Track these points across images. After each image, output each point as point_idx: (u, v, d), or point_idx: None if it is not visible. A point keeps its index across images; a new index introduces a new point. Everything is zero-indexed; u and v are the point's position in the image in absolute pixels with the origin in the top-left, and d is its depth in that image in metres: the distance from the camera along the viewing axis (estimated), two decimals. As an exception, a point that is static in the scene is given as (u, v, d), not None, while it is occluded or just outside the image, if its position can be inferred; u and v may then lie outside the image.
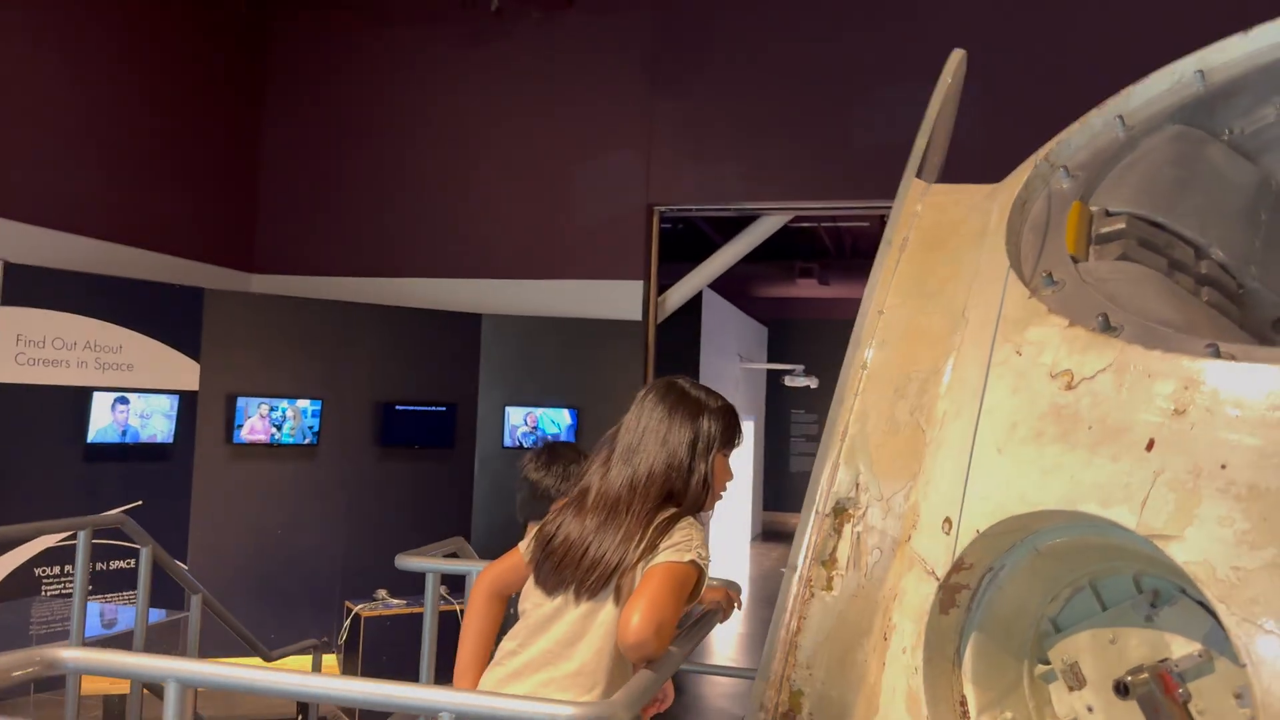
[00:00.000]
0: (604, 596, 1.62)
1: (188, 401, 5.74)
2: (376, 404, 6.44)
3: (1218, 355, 1.15)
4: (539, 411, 6.95)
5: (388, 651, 4.84)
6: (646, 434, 1.70)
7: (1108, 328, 1.28)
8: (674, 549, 1.57)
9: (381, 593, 5.11)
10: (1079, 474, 1.20)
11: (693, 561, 1.57)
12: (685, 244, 9.40)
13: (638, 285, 7.20)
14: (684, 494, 1.67)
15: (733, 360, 11.77)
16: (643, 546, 1.59)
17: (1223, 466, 1.08)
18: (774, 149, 6.80)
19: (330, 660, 5.16)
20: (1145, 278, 1.44)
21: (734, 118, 6.87)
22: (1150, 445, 1.14)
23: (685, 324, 8.90)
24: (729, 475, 1.73)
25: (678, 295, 7.63)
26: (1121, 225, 1.53)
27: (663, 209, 7.27)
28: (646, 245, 7.29)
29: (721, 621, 1.95)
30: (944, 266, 1.57)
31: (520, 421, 6.85)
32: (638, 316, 7.13)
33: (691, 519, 1.64)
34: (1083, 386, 1.23)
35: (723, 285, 10.00)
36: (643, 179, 7.14)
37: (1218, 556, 1.05)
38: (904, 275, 1.58)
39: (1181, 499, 1.09)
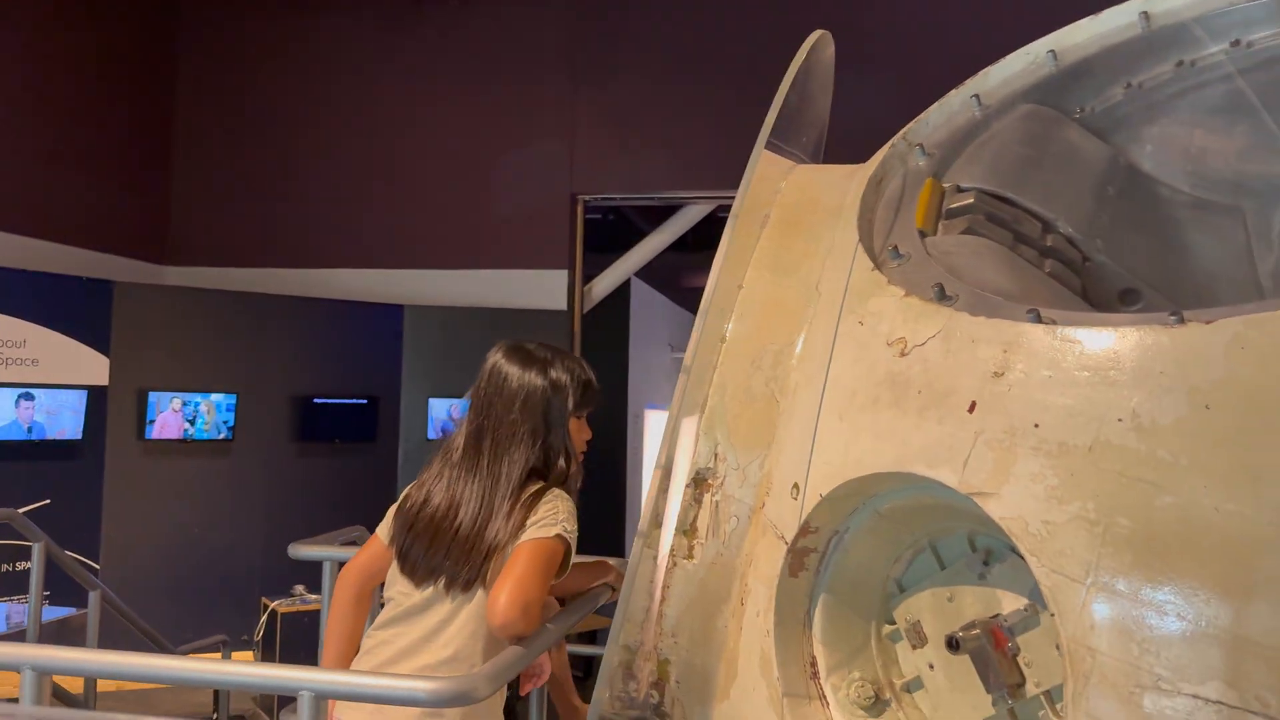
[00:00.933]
0: (476, 580, 1.63)
1: (97, 397, 5.59)
2: (294, 398, 6.34)
3: (1038, 320, 1.20)
4: (463, 403, 6.91)
5: (305, 647, 4.78)
6: (497, 405, 1.72)
7: (943, 297, 1.32)
8: (539, 525, 1.59)
9: (299, 589, 5.05)
10: (909, 437, 1.24)
11: (558, 536, 1.58)
12: (614, 233, 9.41)
13: (562, 274, 7.19)
14: (545, 465, 1.69)
15: (663, 350, 11.82)
16: (511, 524, 1.60)
17: (1035, 425, 1.12)
18: (699, 138, 6.83)
19: (245, 657, 5.09)
20: (987, 250, 1.49)
21: (657, 107, 6.89)
22: (972, 407, 1.18)
23: (613, 313, 8.92)
24: (586, 436, 1.75)
25: (603, 285, 7.63)
26: (970, 201, 1.58)
27: (587, 198, 7.26)
28: (571, 234, 7.27)
29: (610, 600, 1.97)
30: (801, 243, 1.60)
31: (444, 414, 6.80)
32: (563, 306, 7.12)
33: (559, 491, 1.65)
34: (914, 353, 1.27)
35: (652, 275, 10.02)
36: (566, 168, 7.12)
37: (1030, 511, 1.10)
38: (764, 251, 1.61)
39: (999, 457, 1.14)
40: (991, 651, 1.23)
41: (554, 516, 1.60)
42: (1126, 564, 1.02)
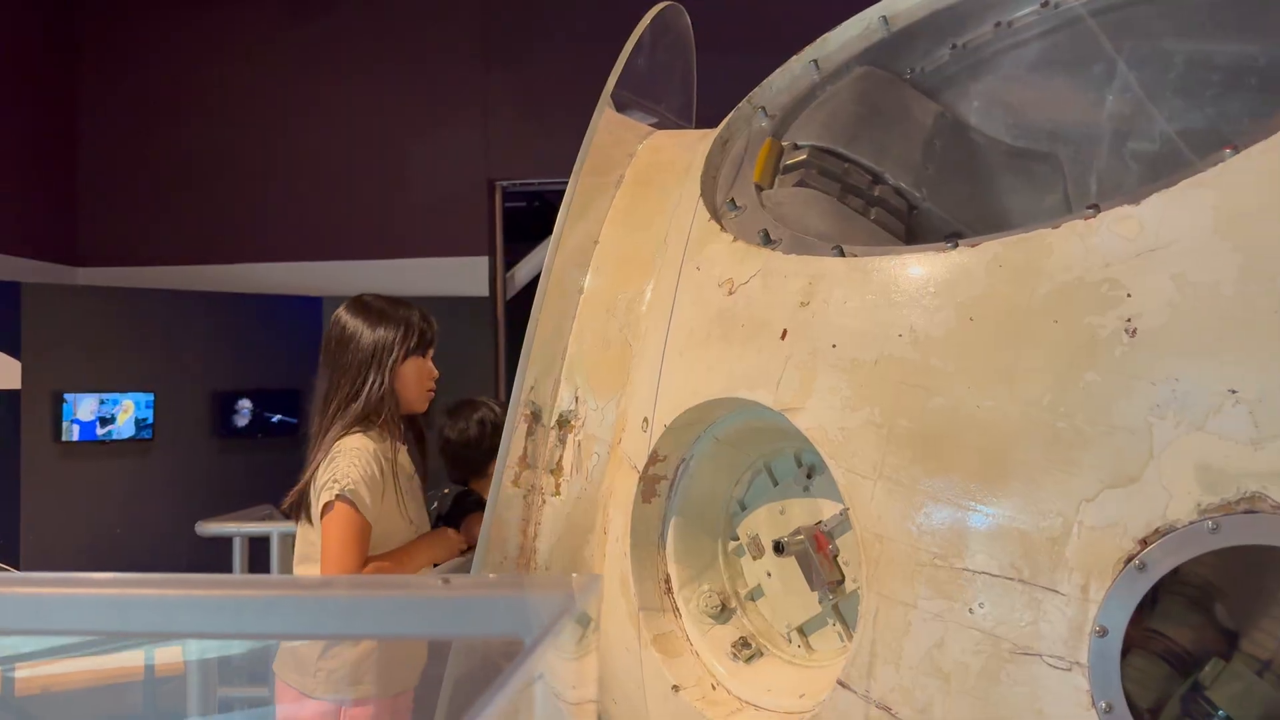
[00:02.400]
0: (305, 520, 1.82)
1: (9, 401, 5.52)
2: (214, 394, 6.31)
3: (840, 254, 1.34)
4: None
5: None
6: (330, 354, 1.87)
7: (767, 241, 1.45)
8: (325, 489, 1.76)
9: (225, 581, 5.05)
10: (734, 366, 1.37)
11: (338, 496, 1.73)
12: (537, 220, 9.48)
13: (483, 261, 7.23)
14: (365, 408, 1.84)
15: (592, 334, 11.89)
16: (314, 471, 1.79)
17: (833, 346, 1.26)
18: (614, 121, 6.88)
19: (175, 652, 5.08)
20: (814, 199, 1.63)
21: (575, 89, 6.93)
22: (784, 335, 1.32)
23: (538, 299, 8.98)
24: (428, 375, 1.93)
25: (526, 270, 7.69)
26: (804, 156, 1.72)
27: (505, 183, 7.30)
28: (490, 220, 7.31)
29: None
30: (653, 200, 1.73)
31: (369, 403, 6.81)
32: (485, 293, 7.17)
33: (361, 438, 1.82)
34: (740, 291, 1.41)
35: (576, 260, 10.12)
36: (482, 153, 7.15)
37: (828, 421, 1.24)
38: (618, 209, 1.73)
39: (804, 376, 1.27)
40: (814, 553, 1.38)
41: (333, 475, 1.77)
42: (906, 460, 1.17)
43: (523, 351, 1.54)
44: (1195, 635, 1.39)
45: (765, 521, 1.49)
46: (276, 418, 6.49)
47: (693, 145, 1.85)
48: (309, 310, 6.77)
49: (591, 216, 1.71)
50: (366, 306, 2.03)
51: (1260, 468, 1.00)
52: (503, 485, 1.60)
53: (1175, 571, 1.07)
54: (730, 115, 1.86)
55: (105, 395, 5.84)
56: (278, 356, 6.55)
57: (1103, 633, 1.04)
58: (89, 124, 7.10)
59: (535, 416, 1.63)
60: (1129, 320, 1.08)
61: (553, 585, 1.10)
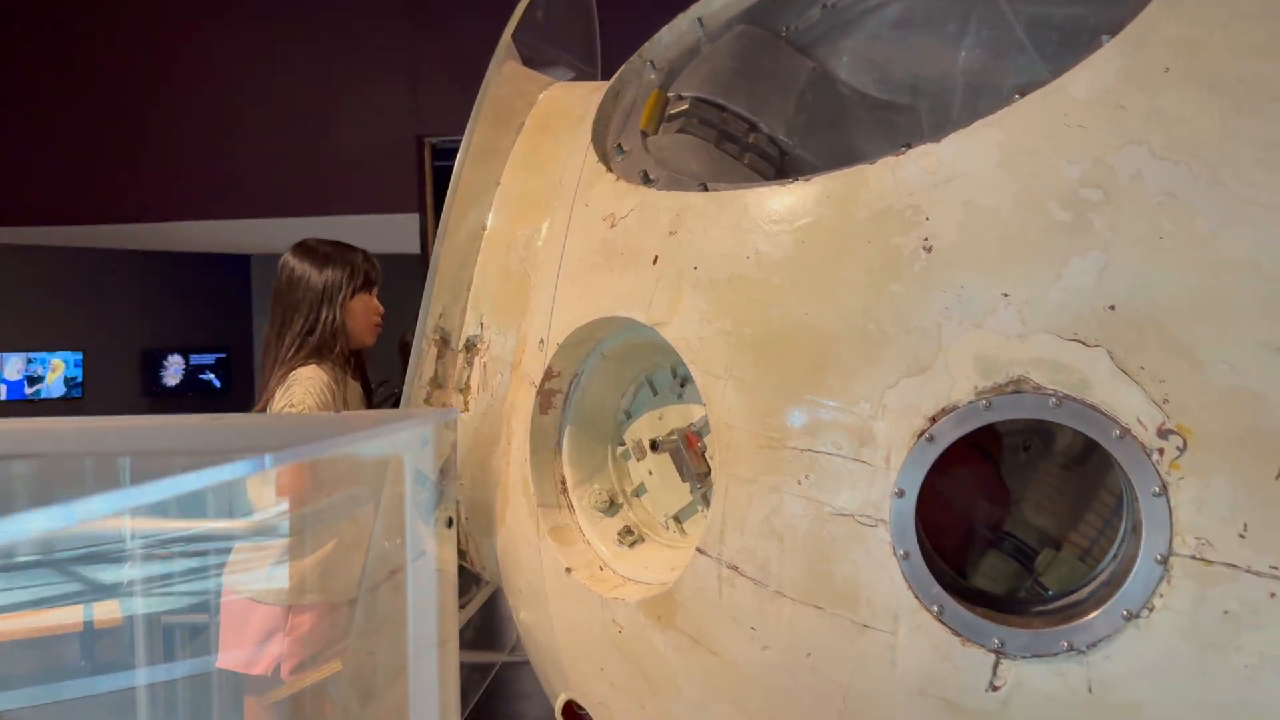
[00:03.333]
0: None
1: (-68, 362, 5.51)
2: (143, 352, 6.35)
3: (704, 190, 1.54)
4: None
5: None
6: (281, 295, 2.03)
7: (646, 180, 1.65)
8: (282, 412, 1.94)
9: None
10: (615, 289, 1.57)
11: None
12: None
13: (413, 219, 7.31)
14: (319, 341, 2.02)
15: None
16: (270, 398, 1.95)
17: (695, 268, 1.47)
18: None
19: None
20: (692, 145, 1.83)
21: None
22: (655, 260, 1.52)
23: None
24: (374, 310, 2.11)
25: (455, 227, 7.77)
26: (686, 107, 1.92)
27: (434, 140, 7.37)
28: (420, 177, 7.39)
29: None
30: (549, 145, 1.91)
31: (302, 359, 6.89)
32: (416, 250, 7.26)
33: (315, 369, 1.99)
34: (620, 224, 1.60)
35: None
36: (410, 109, 7.20)
37: (691, 332, 1.45)
38: (518, 153, 1.91)
39: (671, 295, 1.48)
40: (684, 450, 1.60)
41: (289, 401, 1.97)
42: (750, 361, 1.38)
43: (426, 284, 1.72)
44: (1038, 536, 1.66)
45: (647, 427, 1.70)
46: (207, 375, 6.55)
47: (588, 96, 2.03)
48: (238, 268, 6.81)
49: (494, 161, 1.89)
50: (313, 250, 2.22)
51: (1025, 356, 1.23)
52: (417, 403, 1.79)
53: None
54: (622, 68, 2.04)
55: (33, 354, 5.84)
56: (207, 314, 6.61)
57: (901, 494, 1.27)
58: (6, 83, 6.98)
59: (445, 342, 1.82)
60: (926, 239, 1.30)
61: (421, 415, 1.29)
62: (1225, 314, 1.19)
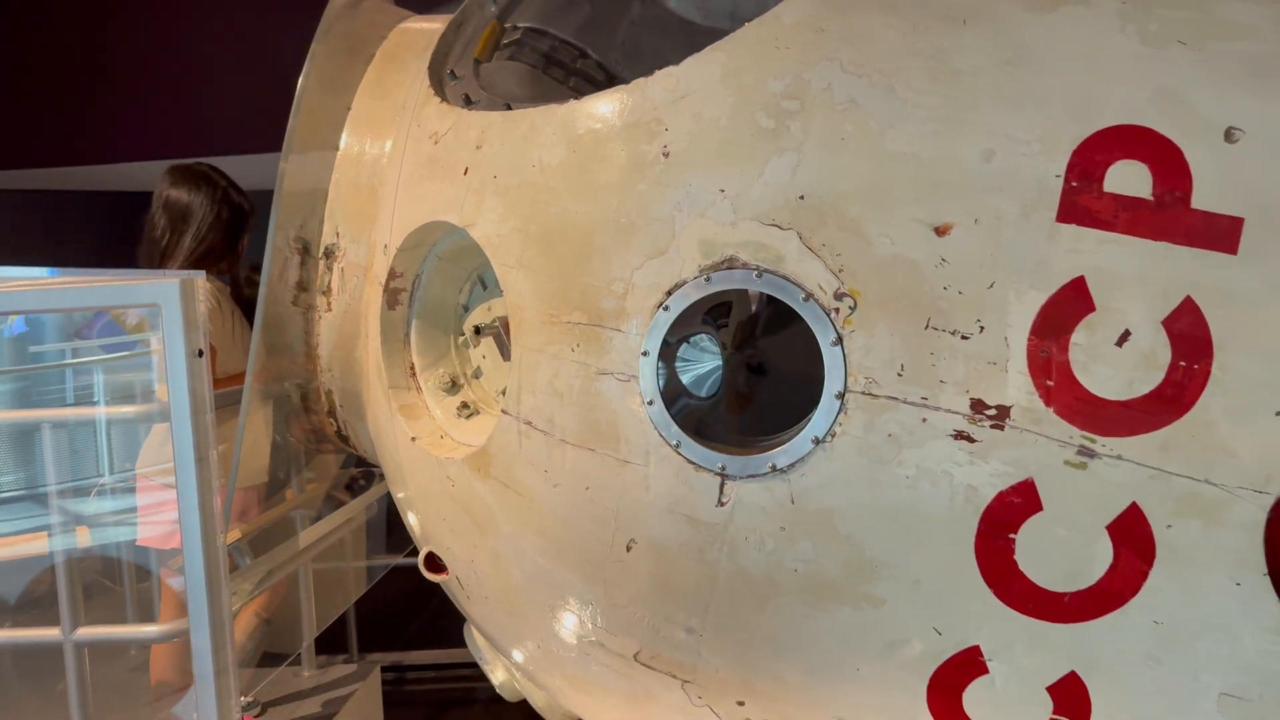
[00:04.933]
0: None
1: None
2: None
3: (507, 108, 1.81)
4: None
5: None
6: (158, 216, 2.32)
7: (467, 103, 1.91)
8: None
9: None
10: (437, 197, 1.85)
11: None
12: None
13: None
14: (203, 250, 2.31)
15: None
16: None
17: (495, 176, 1.74)
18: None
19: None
20: (518, 70, 2.09)
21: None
22: (466, 171, 1.79)
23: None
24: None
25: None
26: (518, 36, 2.17)
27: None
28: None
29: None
30: (396, 73, 2.16)
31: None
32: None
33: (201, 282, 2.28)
34: (441, 141, 1.87)
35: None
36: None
37: (493, 232, 1.73)
38: (368, 81, 2.17)
39: (477, 200, 1.76)
40: (504, 333, 1.89)
41: None
42: (535, 252, 1.67)
43: (273, 199, 1.99)
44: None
45: (480, 317, 2.00)
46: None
47: (434, 30, 2.27)
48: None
49: (345, 87, 2.14)
50: (185, 172, 2.50)
51: (735, 239, 1.53)
52: (284, 304, 2.07)
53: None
54: (466, 2, 2.28)
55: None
56: (121, 255, 6.75)
57: (646, 354, 1.57)
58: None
59: (306, 250, 2.10)
60: (665, 146, 1.58)
61: (170, 273, 1.59)
62: (888, 198, 1.48)
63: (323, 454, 2.47)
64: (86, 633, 1.90)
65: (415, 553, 2.12)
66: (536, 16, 2.22)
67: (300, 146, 2.01)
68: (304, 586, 2.93)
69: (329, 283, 2.11)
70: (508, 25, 2.21)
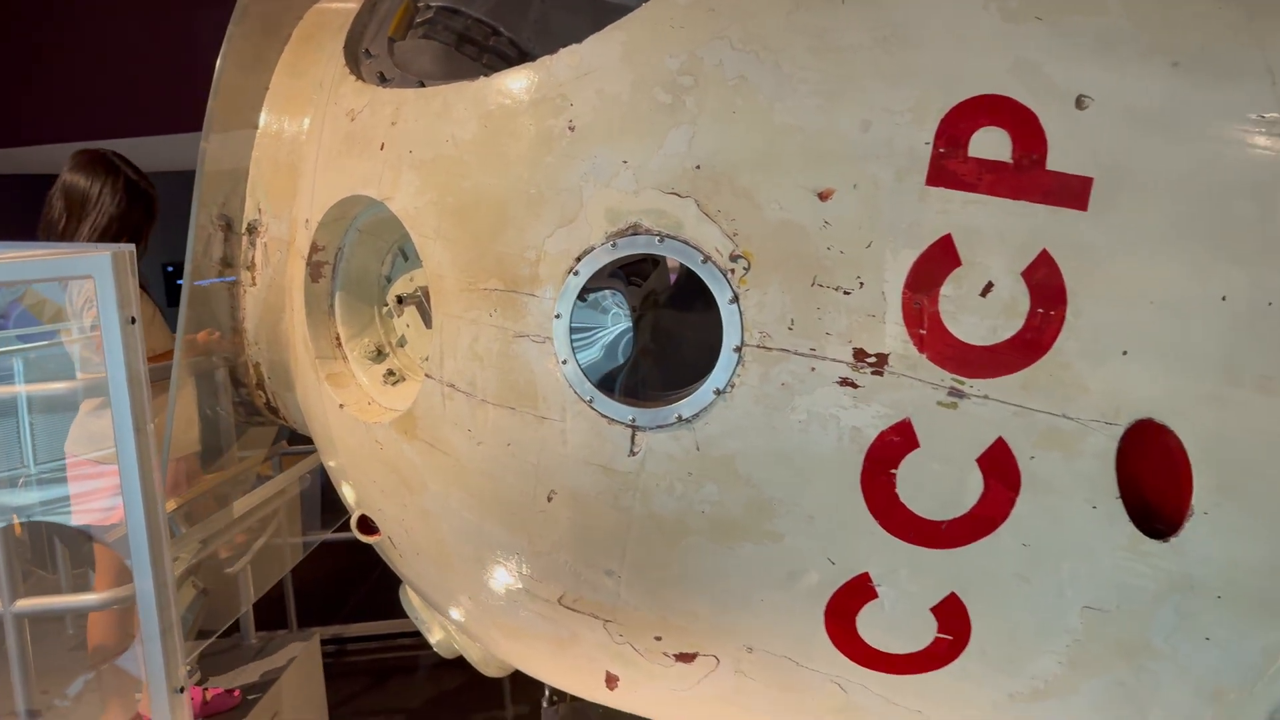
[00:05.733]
0: None
1: None
2: None
3: (420, 86, 1.89)
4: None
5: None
6: (59, 198, 2.36)
7: (382, 81, 1.99)
8: None
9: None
10: (355, 172, 1.92)
11: None
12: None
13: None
14: (111, 226, 2.35)
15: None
16: None
17: (410, 151, 1.82)
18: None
19: None
20: (431, 49, 2.16)
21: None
22: (382, 146, 1.87)
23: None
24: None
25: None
26: (431, 15, 2.24)
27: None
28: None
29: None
30: (313, 53, 2.22)
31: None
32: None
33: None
34: (358, 118, 1.94)
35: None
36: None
37: (410, 203, 1.82)
38: (285, 61, 2.22)
39: (394, 174, 1.84)
40: (425, 302, 1.98)
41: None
42: (452, 223, 1.76)
43: (195, 177, 2.04)
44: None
45: (402, 287, 2.08)
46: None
47: (352, 9, 2.33)
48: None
49: (263, 67, 2.19)
50: (88, 158, 2.53)
51: (638, 207, 1.64)
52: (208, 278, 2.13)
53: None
54: (381, -17, 2.34)
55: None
56: (27, 239, 6.63)
57: (559, 316, 1.68)
58: None
59: (229, 227, 2.16)
60: (570, 121, 1.68)
61: (103, 245, 1.66)
62: (776, 166, 1.61)
63: (254, 427, 2.53)
64: (27, 604, 1.94)
65: (346, 528, 2.21)
66: (448, -4, 2.29)
67: (220, 126, 2.06)
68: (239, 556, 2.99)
69: (253, 258, 2.17)
70: (421, 4, 2.28)
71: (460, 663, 2.52)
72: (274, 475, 3.15)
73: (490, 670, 2.60)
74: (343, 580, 5.88)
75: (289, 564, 3.65)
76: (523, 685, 4.73)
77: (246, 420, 2.44)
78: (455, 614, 2.19)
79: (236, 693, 3.04)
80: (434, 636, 2.53)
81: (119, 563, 2.52)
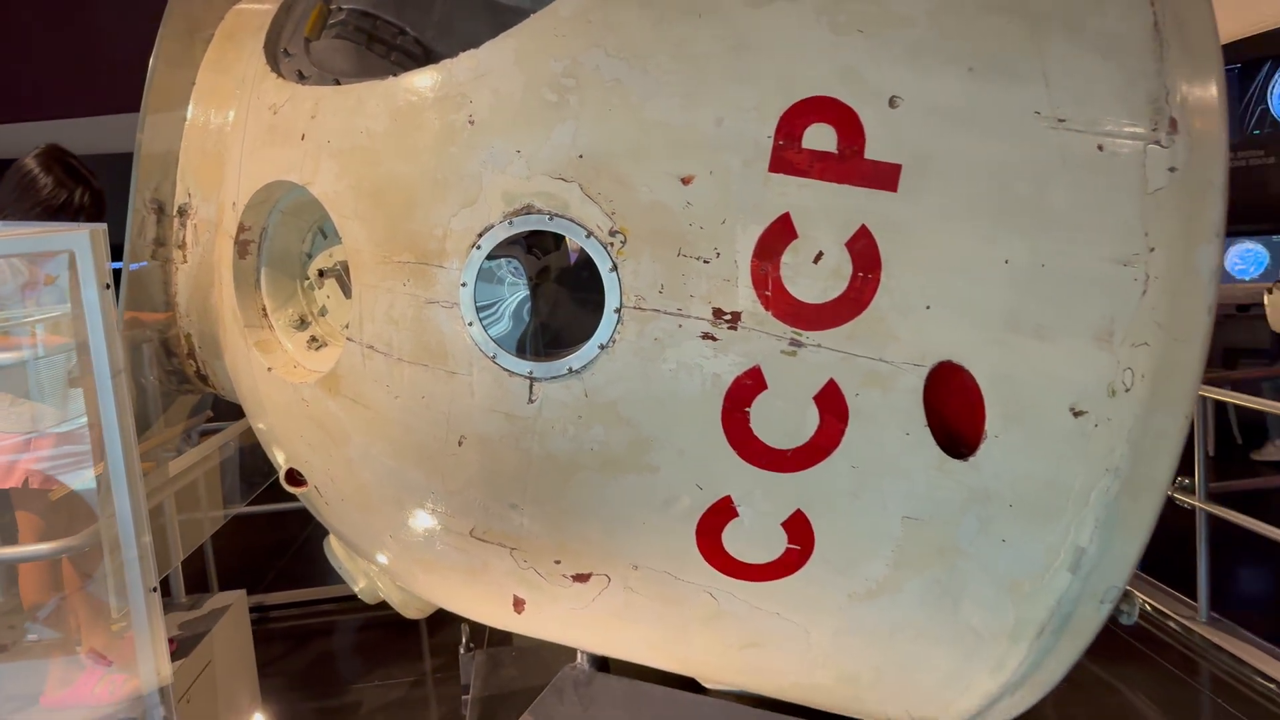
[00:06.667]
0: None
1: None
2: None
3: (336, 84, 2.13)
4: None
5: None
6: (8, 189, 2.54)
7: (300, 78, 2.22)
8: None
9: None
10: (278, 160, 2.16)
11: None
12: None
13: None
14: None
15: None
16: None
17: (329, 141, 2.07)
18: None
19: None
20: (343, 48, 2.40)
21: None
22: (303, 137, 2.11)
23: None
24: None
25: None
26: (343, 17, 2.47)
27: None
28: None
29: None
30: (234, 51, 2.44)
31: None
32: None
33: None
34: (280, 112, 2.18)
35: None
36: None
37: (329, 187, 2.06)
38: (209, 59, 2.43)
39: (314, 162, 2.08)
40: (344, 274, 2.23)
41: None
42: (367, 205, 2.02)
43: (133, 166, 2.25)
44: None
45: (322, 262, 2.33)
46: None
47: (269, 10, 2.55)
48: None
49: (189, 64, 2.40)
50: (58, 157, 2.68)
51: (531, 190, 1.92)
52: (144, 258, 2.34)
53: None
54: (298, -16, 2.56)
55: None
56: None
57: (465, 285, 1.96)
58: None
59: (161, 210, 2.37)
60: (470, 116, 1.95)
61: (79, 225, 1.89)
62: (646, 156, 1.91)
63: (184, 394, 2.74)
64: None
65: (262, 500, 2.45)
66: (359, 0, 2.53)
67: (153, 120, 2.27)
68: (169, 515, 3.19)
69: (183, 238, 2.38)
70: (333, 6, 2.51)
71: (379, 622, 2.77)
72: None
73: (410, 612, 2.87)
74: (263, 553, 6.05)
75: (211, 529, 3.84)
76: (441, 640, 5.00)
77: (177, 389, 2.65)
78: (379, 555, 2.45)
79: (174, 644, 3.23)
80: (358, 585, 2.80)
81: (36, 522, 2.71)
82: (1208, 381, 6.25)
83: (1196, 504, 5.02)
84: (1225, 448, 8.03)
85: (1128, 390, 1.87)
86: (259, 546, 6.17)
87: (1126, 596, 2.25)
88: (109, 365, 1.79)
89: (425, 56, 2.59)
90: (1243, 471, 7.57)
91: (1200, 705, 4.33)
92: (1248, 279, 8.83)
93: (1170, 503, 5.21)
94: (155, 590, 1.84)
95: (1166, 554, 5.57)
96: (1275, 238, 8.45)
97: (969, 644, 2.10)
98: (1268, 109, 8.87)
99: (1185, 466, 5.85)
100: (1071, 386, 1.88)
